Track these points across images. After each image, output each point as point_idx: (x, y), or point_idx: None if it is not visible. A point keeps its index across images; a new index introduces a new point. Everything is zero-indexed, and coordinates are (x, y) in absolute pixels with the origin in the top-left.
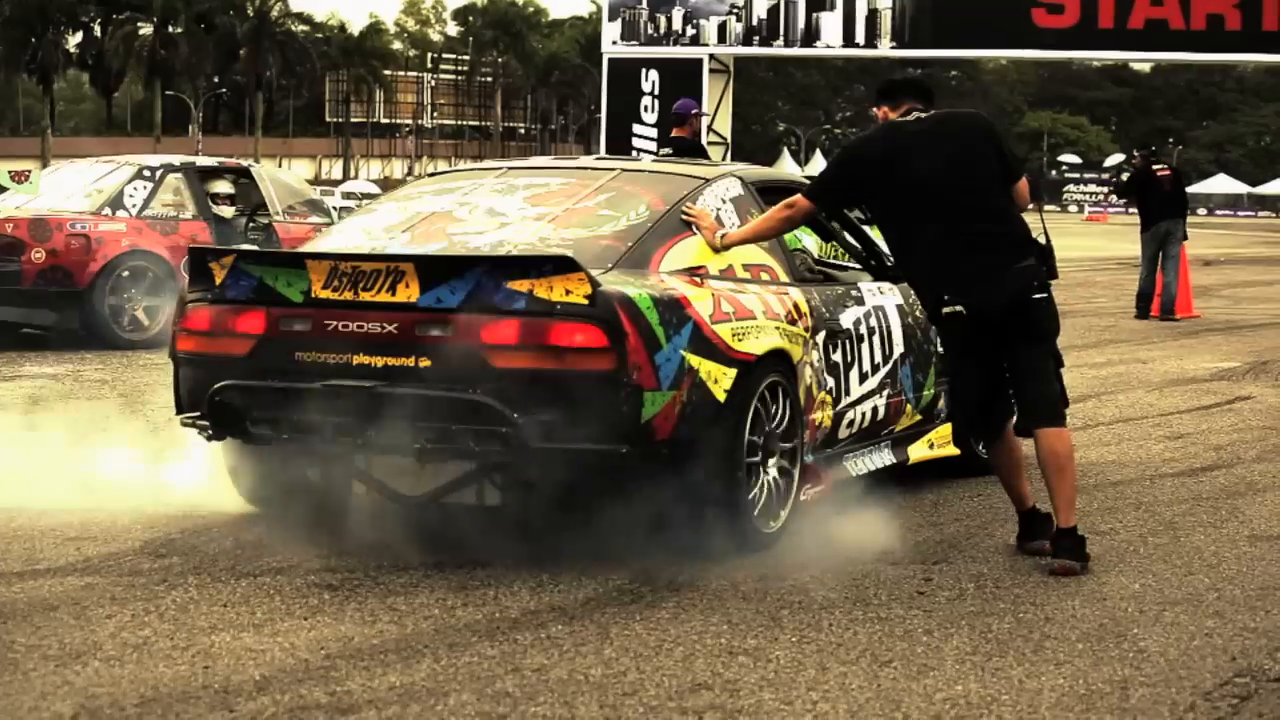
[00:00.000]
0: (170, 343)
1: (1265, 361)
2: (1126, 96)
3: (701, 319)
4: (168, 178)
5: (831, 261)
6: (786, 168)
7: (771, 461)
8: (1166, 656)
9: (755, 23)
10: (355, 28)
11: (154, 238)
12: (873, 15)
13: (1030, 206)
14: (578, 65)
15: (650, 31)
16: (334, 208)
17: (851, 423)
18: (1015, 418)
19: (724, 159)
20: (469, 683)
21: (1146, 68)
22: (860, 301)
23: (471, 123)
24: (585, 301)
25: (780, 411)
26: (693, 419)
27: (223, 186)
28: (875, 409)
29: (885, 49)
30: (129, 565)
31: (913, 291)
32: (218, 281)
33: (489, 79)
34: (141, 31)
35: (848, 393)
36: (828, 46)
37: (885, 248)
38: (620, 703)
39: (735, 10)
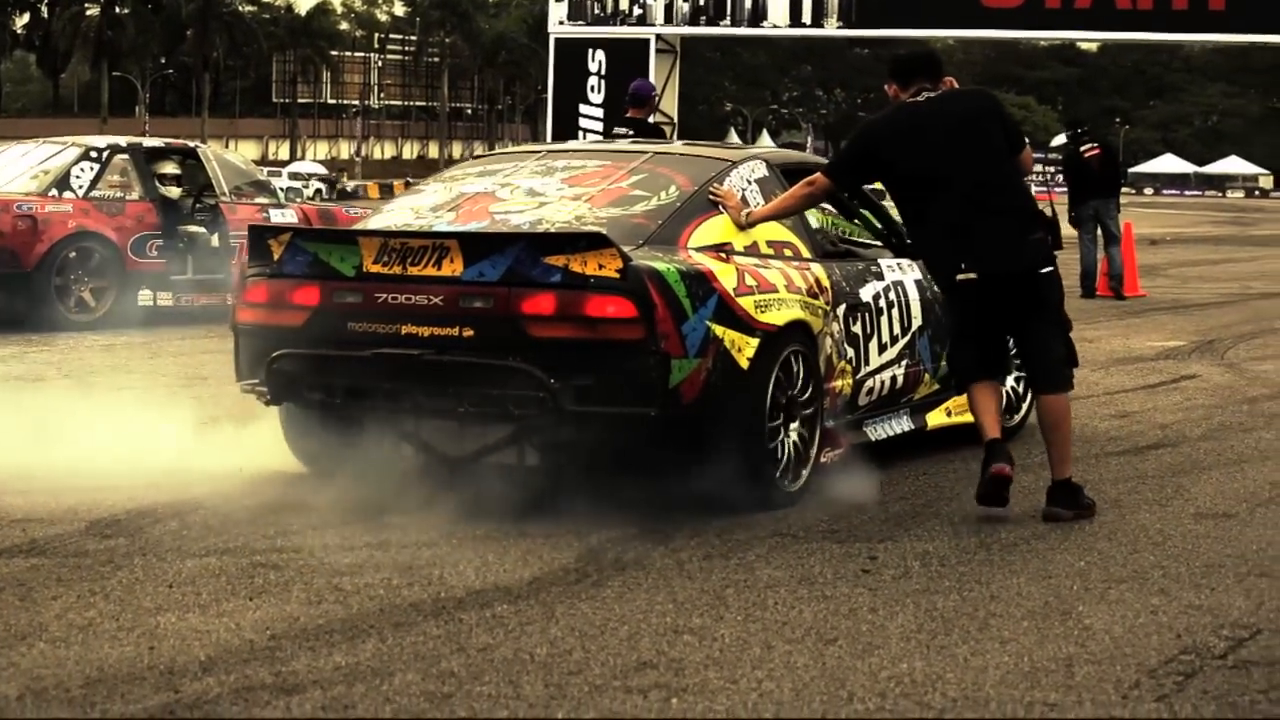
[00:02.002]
0: (231, 315)
1: (1211, 340)
2: (1073, 76)
3: (726, 291)
4: (114, 159)
5: (854, 239)
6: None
7: (793, 425)
8: (1112, 634)
9: (702, 2)
10: (302, 8)
11: (100, 219)
12: None
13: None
14: (524, 45)
15: (597, 11)
16: (280, 188)
17: (871, 390)
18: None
19: (670, 140)
20: (414, 662)
21: (1093, 47)
22: (880, 277)
23: (418, 103)
24: (617, 275)
25: (801, 379)
26: (718, 385)
27: (169, 167)
28: (894, 378)
29: (832, 29)
30: (74, 547)
31: (925, 265)
32: (275, 257)
33: (436, 59)
34: (88, 12)
35: (867, 362)
36: (774, 26)
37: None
38: (565, 682)
39: None
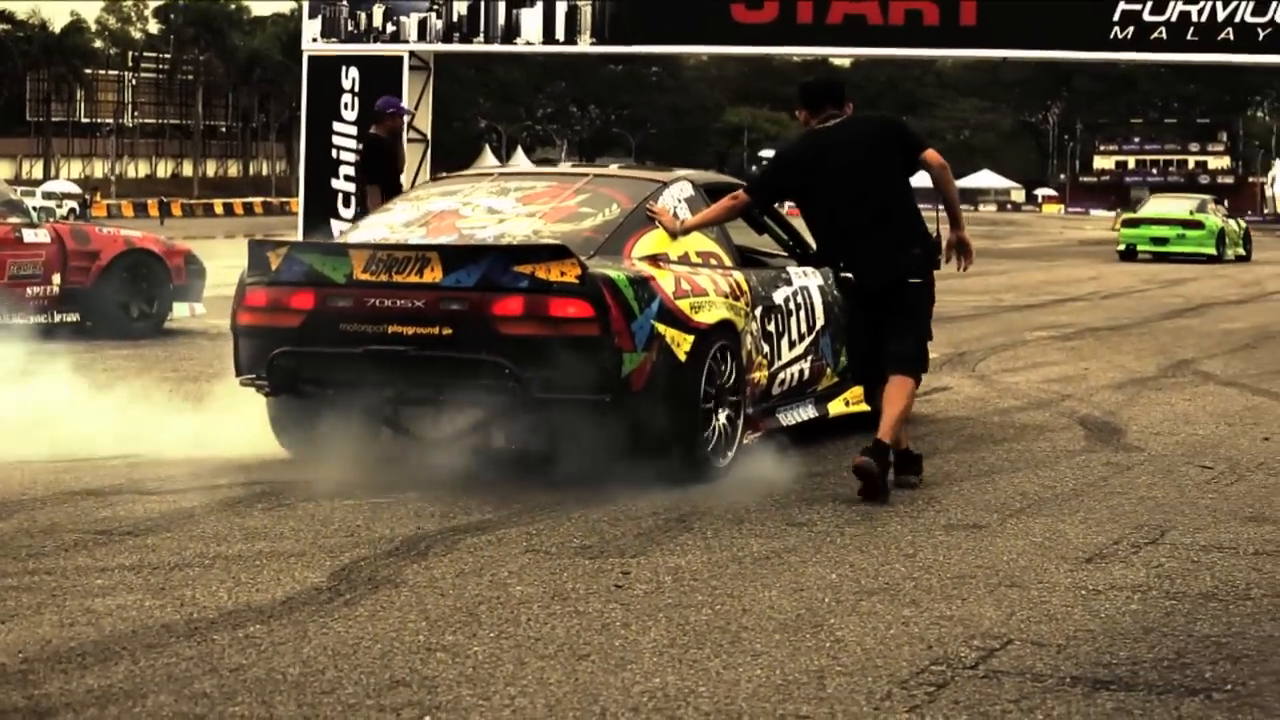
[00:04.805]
0: (231, 317)
1: (963, 353)
2: None
3: (666, 295)
4: None
5: (763, 250)
6: (489, 163)
7: (722, 410)
8: (863, 646)
9: (455, 19)
10: (57, 25)
11: None
12: (573, 12)
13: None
14: (279, 63)
15: (350, 28)
16: (34, 208)
17: (783, 382)
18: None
19: (424, 157)
20: (166, 684)
21: (846, 63)
22: (789, 282)
23: (173, 121)
24: (576, 281)
25: (728, 370)
26: (661, 375)
27: None
28: (801, 371)
29: (585, 45)
30: None
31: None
32: (274, 267)
33: (190, 77)
34: None
35: (779, 357)
36: (528, 43)
37: (807, 231)
38: (318, 701)
39: (436, 7)
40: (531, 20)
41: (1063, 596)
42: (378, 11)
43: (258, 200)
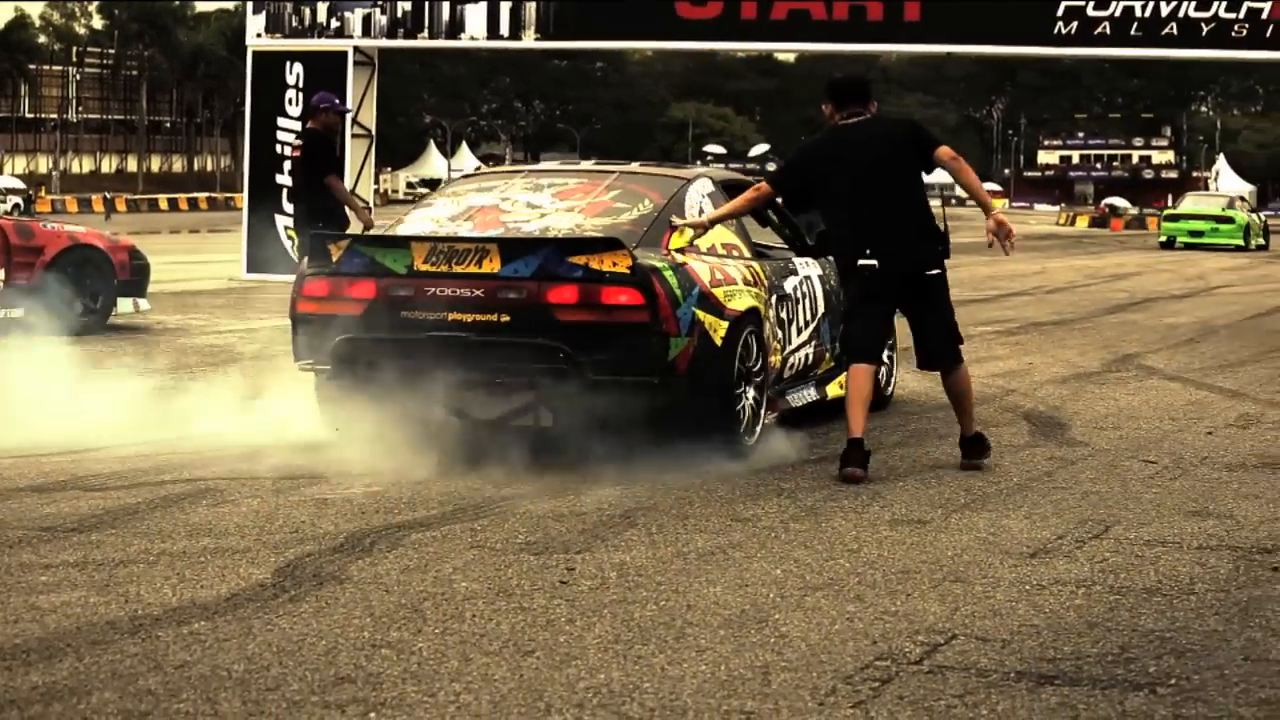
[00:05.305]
0: (290, 306)
1: (907, 348)
2: (771, 87)
3: (704, 284)
4: None
5: (765, 243)
6: (433, 161)
7: (750, 391)
8: (808, 641)
9: (400, 15)
10: (1, 21)
11: None
12: (517, 7)
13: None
14: (224, 58)
15: (294, 24)
16: None
17: (792, 366)
18: (918, 357)
19: (368, 152)
20: (111, 681)
21: (791, 58)
22: (795, 272)
23: (117, 117)
24: (627, 271)
25: (755, 354)
26: (701, 358)
27: None
28: (807, 355)
29: (529, 41)
30: None
31: (833, 254)
32: (335, 259)
33: (135, 72)
34: None
35: (789, 342)
36: (472, 39)
37: (815, 225)
38: (263, 698)
39: (380, 3)
40: (476, 16)
41: (1007, 591)
42: (322, 7)
43: (203, 196)
